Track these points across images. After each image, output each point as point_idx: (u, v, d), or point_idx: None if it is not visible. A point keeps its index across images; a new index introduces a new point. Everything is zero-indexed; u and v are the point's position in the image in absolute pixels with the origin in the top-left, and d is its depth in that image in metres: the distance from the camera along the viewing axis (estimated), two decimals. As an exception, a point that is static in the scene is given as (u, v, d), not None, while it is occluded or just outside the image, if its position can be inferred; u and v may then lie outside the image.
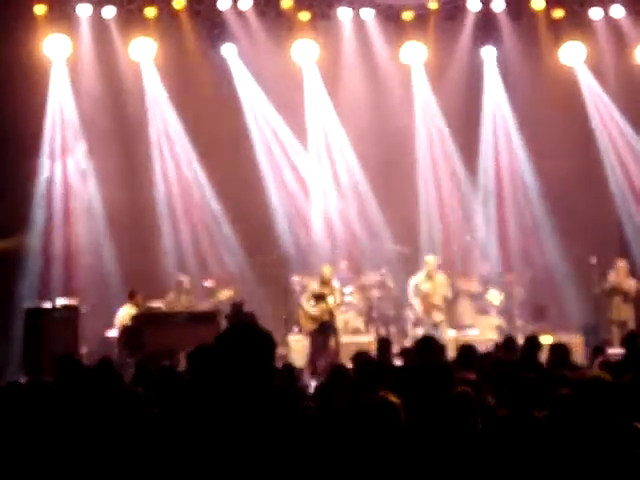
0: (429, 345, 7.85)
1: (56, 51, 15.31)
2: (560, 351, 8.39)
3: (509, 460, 5.28)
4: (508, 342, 9.22)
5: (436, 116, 16.65)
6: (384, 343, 9.69)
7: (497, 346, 8.89)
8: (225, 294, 14.64)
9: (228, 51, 16.17)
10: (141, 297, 14.37)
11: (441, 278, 14.43)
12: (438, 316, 14.32)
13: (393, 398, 5.11)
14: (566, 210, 16.22)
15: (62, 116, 15.65)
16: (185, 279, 14.95)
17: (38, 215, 15.23)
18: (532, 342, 9.02)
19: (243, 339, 3.39)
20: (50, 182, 15.51)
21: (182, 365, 11.45)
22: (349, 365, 7.86)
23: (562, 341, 10.13)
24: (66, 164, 15.63)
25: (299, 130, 16.38)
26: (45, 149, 15.53)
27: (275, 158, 16.56)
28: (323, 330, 13.77)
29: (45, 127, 15.54)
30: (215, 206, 16.14)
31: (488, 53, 16.68)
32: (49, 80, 15.42)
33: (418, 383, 6.08)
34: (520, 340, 9.82)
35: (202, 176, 16.22)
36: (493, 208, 16.83)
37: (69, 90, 15.61)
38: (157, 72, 15.97)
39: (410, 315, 14.83)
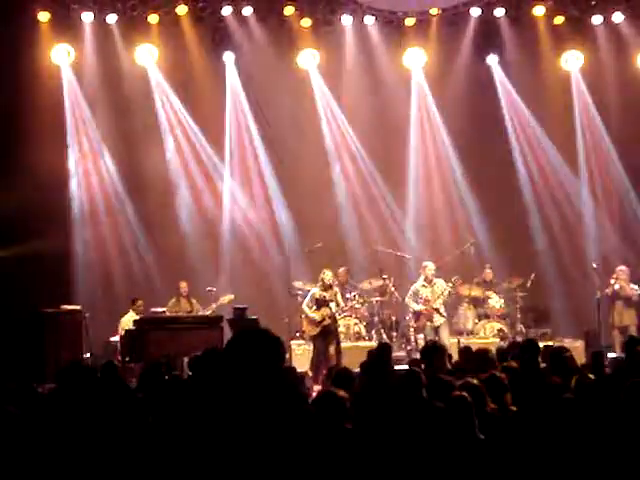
0: (434, 351, 7.90)
1: (61, 57, 15.38)
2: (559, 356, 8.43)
3: (511, 463, 5.31)
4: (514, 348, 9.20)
5: (435, 121, 16.69)
6: (385, 349, 9.69)
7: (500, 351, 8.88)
8: (227, 299, 14.68)
9: (228, 58, 16.21)
10: (142, 303, 14.43)
11: (440, 283, 14.47)
12: (440, 320, 14.35)
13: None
14: (567, 215, 16.27)
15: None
16: (183, 284, 14.98)
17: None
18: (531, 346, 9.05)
19: (254, 344, 3.41)
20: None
21: (184, 370, 11.52)
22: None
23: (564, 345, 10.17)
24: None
25: (301, 135, 16.40)
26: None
27: (277, 163, 16.60)
28: (325, 335, 13.79)
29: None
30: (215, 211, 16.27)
31: (492, 59, 16.70)
32: (55, 85, 15.44)
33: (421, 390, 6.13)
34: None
35: (204, 182, 16.31)
36: (494, 213, 16.84)
37: (79, 92, 15.69)
38: (160, 78, 16.02)
39: (412, 321, 14.87)
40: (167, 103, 16.13)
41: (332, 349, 13.68)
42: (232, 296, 14.68)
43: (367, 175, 16.67)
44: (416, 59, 16.47)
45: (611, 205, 16.84)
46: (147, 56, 15.72)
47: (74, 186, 15.75)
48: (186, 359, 11.79)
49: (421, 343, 13.78)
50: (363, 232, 16.55)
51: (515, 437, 5.58)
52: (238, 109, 16.47)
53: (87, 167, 15.91)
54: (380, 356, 9.14)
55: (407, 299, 14.55)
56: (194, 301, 15.01)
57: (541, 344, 11.23)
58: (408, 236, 16.57)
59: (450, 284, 14.48)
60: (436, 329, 14.30)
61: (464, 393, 5.65)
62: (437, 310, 14.31)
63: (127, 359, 13.20)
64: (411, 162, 16.66)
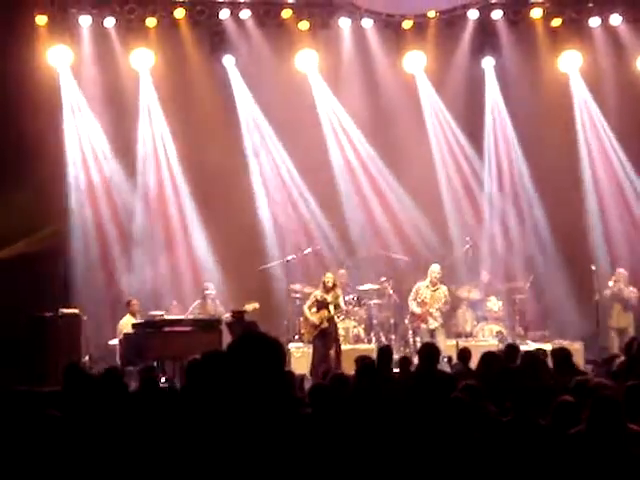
0: (430, 353, 7.91)
1: (59, 61, 15.37)
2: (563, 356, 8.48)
3: (508, 465, 5.32)
4: (510, 350, 9.26)
5: (444, 122, 16.73)
6: (385, 352, 9.68)
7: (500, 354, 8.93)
8: (251, 307, 14.37)
9: (228, 61, 16.21)
10: (137, 305, 14.36)
11: (442, 290, 14.50)
12: (434, 323, 14.40)
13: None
14: (565, 218, 16.29)
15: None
16: (211, 286, 14.93)
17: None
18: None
19: (255, 348, 3.41)
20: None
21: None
22: (349, 372, 7.88)
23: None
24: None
25: (298, 139, 16.39)
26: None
27: (273, 167, 16.60)
28: (324, 337, 13.78)
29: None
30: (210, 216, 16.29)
31: (487, 61, 16.72)
32: (53, 89, 15.44)
33: (418, 391, 6.13)
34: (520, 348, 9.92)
35: (200, 186, 16.30)
36: (494, 215, 16.85)
37: (79, 94, 15.70)
38: (157, 81, 16.02)
39: (409, 321, 14.92)
40: (164, 106, 16.13)
41: (332, 352, 13.68)
42: (257, 304, 14.42)
43: (366, 176, 16.66)
44: (416, 62, 16.47)
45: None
46: (143, 60, 15.72)
47: (82, 197, 15.77)
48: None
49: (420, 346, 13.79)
50: (363, 235, 16.55)
51: (514, 439, 5.58)
52: (248, 109, 16.46)
53: (89, 171, 15.93)
54: (381, 358, 9.15)
55: (409, 297, 14.64)
56: (218, 303, 14.88)
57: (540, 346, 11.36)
58: (408, 239, 16.55)
59: (448, 289, 14.56)
60: (432, 332, 14.36)
61: (461, 395, 5.66)
62: (431, 314, 14.38)
63: (126, 363, 13.18)
64: (409, 163, 16.66)
